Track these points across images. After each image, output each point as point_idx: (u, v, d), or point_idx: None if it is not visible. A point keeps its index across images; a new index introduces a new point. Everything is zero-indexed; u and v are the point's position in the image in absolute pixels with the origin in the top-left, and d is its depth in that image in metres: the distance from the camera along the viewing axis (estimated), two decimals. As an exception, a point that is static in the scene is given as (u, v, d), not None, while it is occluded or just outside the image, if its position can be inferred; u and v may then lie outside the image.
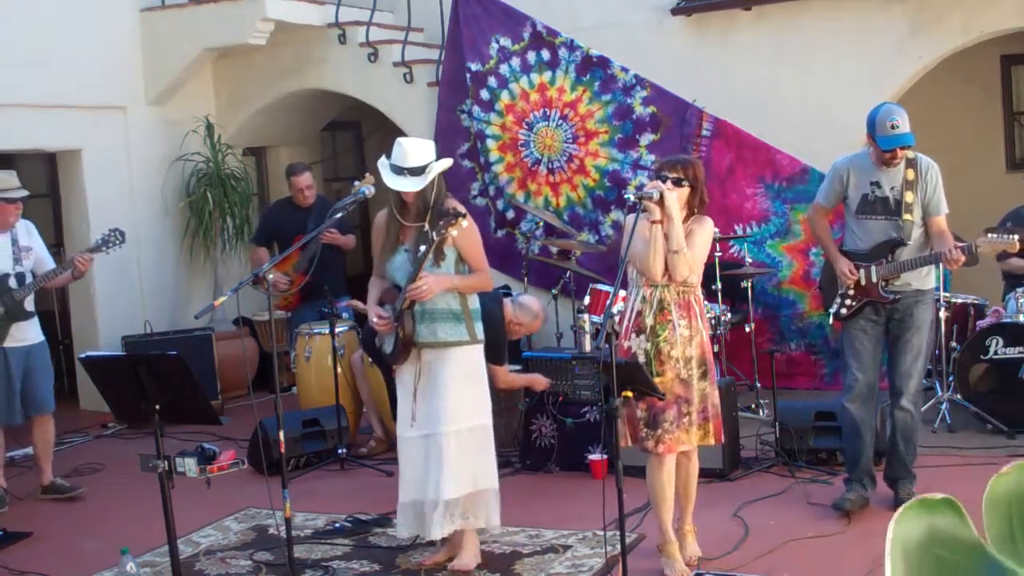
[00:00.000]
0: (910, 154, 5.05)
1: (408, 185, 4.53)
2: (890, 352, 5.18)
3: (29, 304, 6.09)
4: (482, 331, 4.74)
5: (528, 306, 6.06)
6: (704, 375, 4.53)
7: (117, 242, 6.11)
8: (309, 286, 7.47)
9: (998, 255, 7.10)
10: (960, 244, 5.02)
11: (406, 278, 4.55)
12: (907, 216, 5.01)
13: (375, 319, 4.65)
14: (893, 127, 4.92)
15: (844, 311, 5.18)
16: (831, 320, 5.32)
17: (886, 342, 5.22)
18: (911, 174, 5.02)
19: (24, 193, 6.12)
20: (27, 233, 6.21)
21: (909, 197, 5.00)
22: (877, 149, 5.02)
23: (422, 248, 4.41)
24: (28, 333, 6.10)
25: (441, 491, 4.54)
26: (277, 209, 8.18)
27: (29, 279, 6.07)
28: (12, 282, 6.01)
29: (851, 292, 5.15)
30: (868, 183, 5.09)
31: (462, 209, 4.42)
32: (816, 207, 5.42)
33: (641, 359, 4.46)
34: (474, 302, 4.73)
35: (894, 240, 5.06)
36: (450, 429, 4.56)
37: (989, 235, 5.09)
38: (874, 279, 5.08)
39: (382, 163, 4.64)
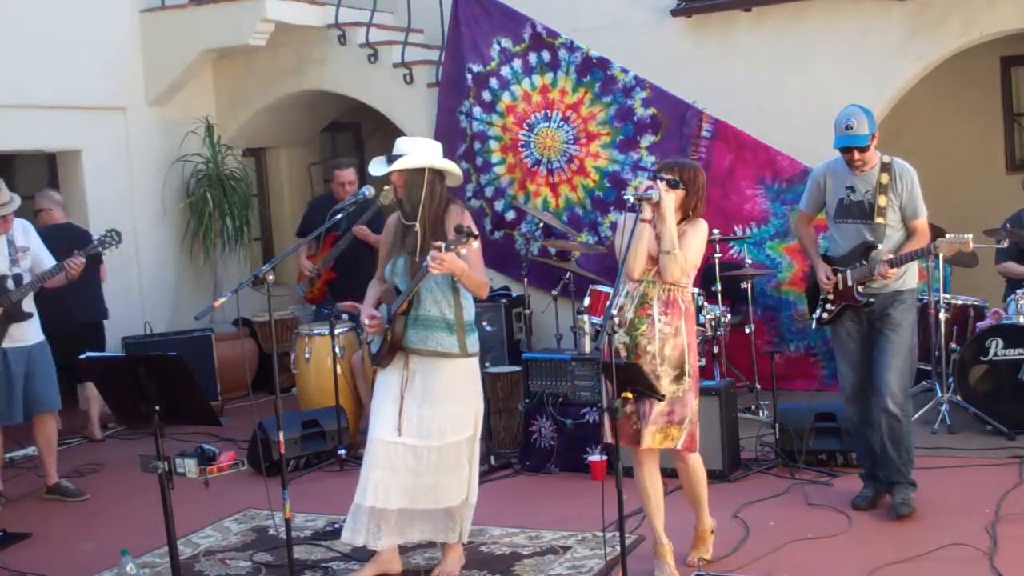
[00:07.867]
0: (885, 158, 5.10)
1: (376, 168, 4.54)
2: (872, 354, 5.17)
3: (28, 305, 6.06)
4: (476, 344, 4.64)
5: None
6: (679, 378, 4.40)
7: (113, 242, 6.07)
8: (335, 282, 7.46)
9: (996, 258, 7.12)
10: (912, 249, 5.05)
11: (405, 283, 4.55)
12: (879, 219, 5.05)
13: (366, 320, 4.63)
14: (848, 128, 4.98)
15: (825, 315, 5.27)
16: (814, 325, 5.41)
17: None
18: (885, 178, 5.05)
19: (17, 204, 6.01)
20: (24, 233, 6.16)
21: (882, 201, 5.04)
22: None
23: (427, 261, 4.30)
24: (27, 333, 6.08)
25: (439, 500, 4.55)
26: (316, 205, 8.11)
27: (27, 280, 6.05)
28: (10, 283, 5.99)
29: (830, 297, 5.22)
30: (843, 188, 5.14)
31: (475, 229, 4.32)
32: (799, 214, 5.52)
33: (622, 353, 4.41)
34: (469, 313, 4.63)
35: (867, 243, 5.09)
36: (433, 444, 4.51)
37: (947, 235, 5.13)
38: (849, 283, 5.13)
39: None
